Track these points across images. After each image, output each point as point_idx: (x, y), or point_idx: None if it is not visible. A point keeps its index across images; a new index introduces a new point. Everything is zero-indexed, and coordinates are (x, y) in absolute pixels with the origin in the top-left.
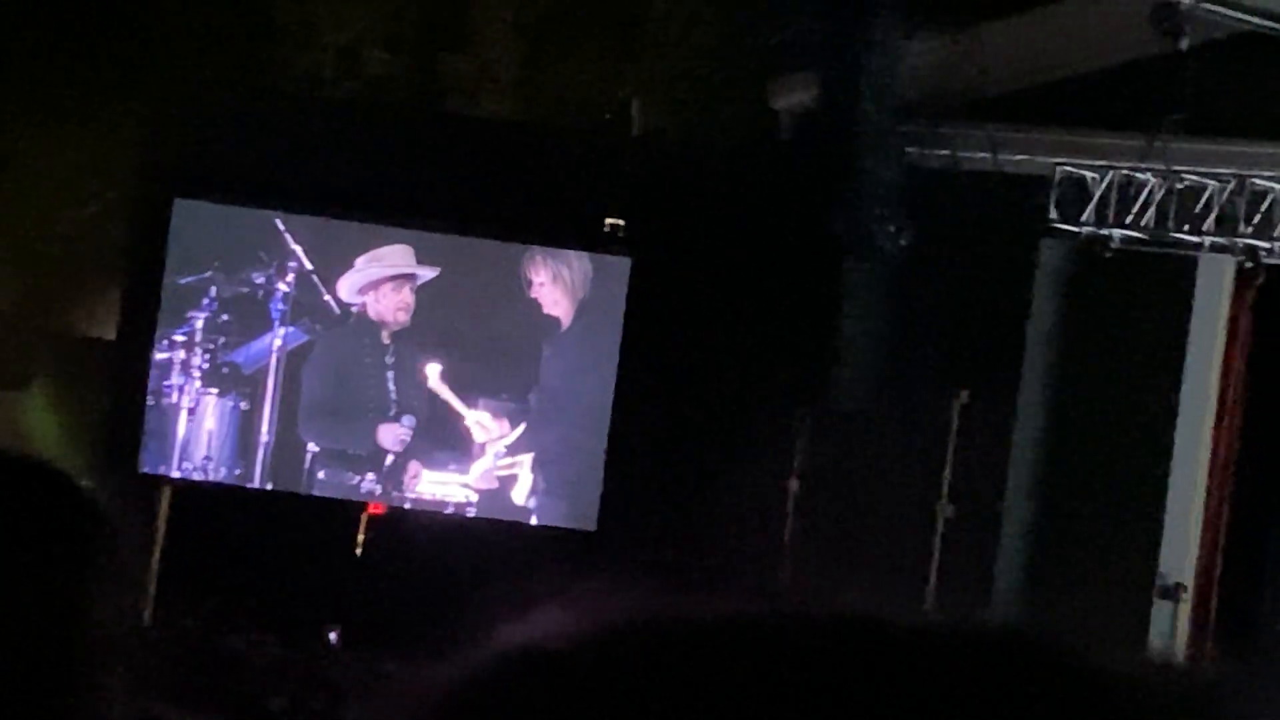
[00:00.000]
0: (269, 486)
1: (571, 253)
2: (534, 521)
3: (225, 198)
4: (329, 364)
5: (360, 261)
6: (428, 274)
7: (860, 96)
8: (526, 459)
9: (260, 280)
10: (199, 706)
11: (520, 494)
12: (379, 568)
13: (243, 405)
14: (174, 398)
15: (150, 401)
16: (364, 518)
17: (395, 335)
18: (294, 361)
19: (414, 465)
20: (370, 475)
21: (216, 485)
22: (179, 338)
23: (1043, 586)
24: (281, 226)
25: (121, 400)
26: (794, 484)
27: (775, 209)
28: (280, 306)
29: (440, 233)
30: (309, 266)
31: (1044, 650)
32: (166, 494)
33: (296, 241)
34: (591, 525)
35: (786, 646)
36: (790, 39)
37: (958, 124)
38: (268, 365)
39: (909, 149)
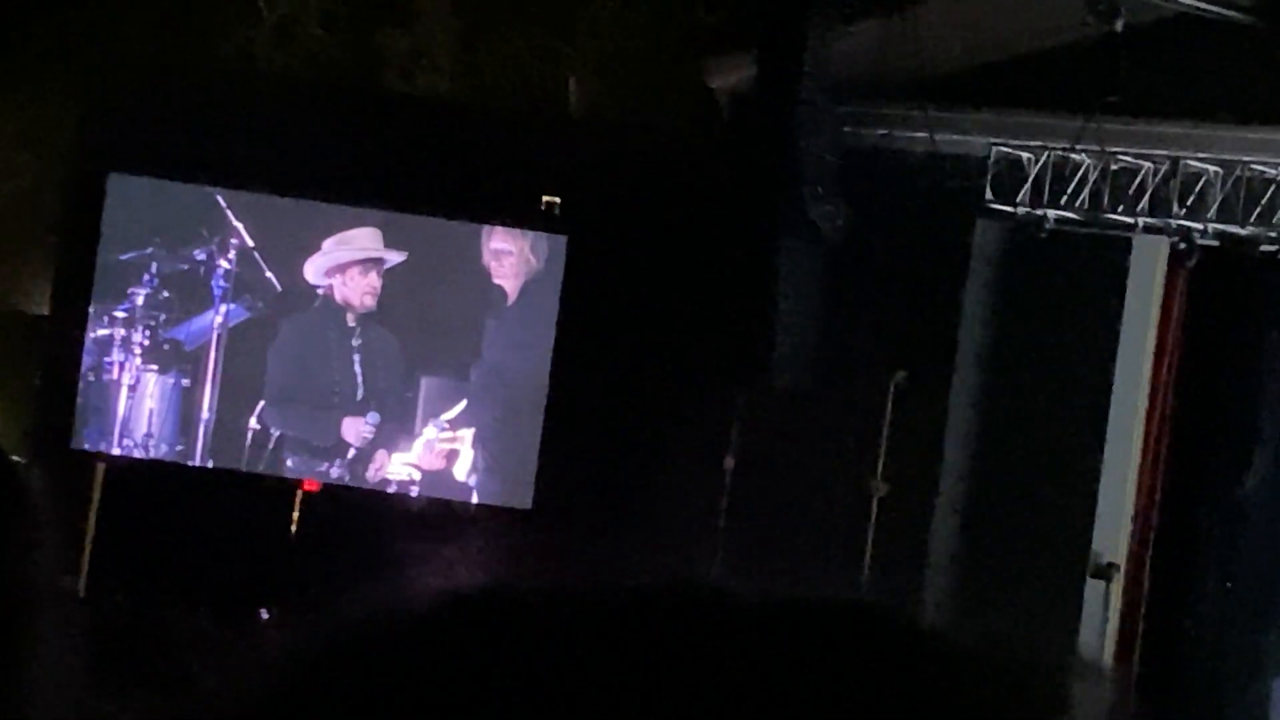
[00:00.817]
0: (210, 464)
1: (530, 231)
2: (474, 500)
3: (160, 172)
4: (295, 348)
5: (328, 244)
6: (395, 258)
7: (798, 77)
8: (468, 434)
9: (201, 257)
10: (130, 682)
11: (461, 470)
12: (314, 546)
13: (184, 382)
14: (114, 374)
15: (90, 378)
16: (299, 495)
17: (361, 319)
18: (236, 338)
19: (380, 455)
20: (337, 464)
21: (152, 462)
22: (119, 314)
23: (976, 565)
24: (224, 203)
25: (55, 376)
26: (730, 462)
27: (712, 188)
28: (222, 284)
29: (377, 209)
30: (251, 243)
31: (882, 622)
32: (100, 470)
33: (238, 218)
34: (527, 503)
35: (615, 618)
36: (728, 19)
37: (894, 105)
38: (209, 342)
39: (846, 129)
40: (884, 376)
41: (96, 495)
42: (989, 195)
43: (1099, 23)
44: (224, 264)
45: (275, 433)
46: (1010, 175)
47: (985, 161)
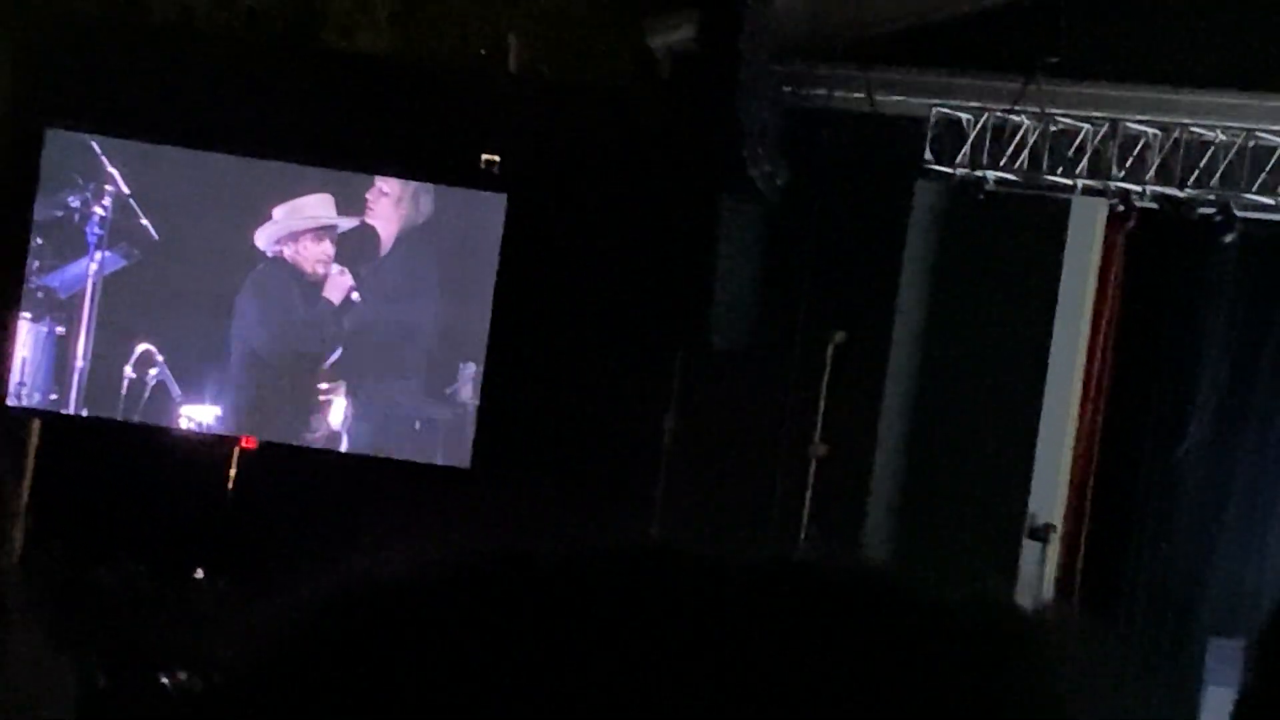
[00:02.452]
0: (84, 413)
1: (416, 184)
2: (343, 448)
3: (98, 129)
4: (257, 311)
5: (279, 212)
6: (348, 224)
7: (737, 35)
8: (341, 385)
9: (76, 204)
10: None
11: (335, 419)
12: (251, 502)
13: (58, 330)
14: None
15: None
16: (236, 452)
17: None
18: (111, 286)
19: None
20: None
21: (88, 419)
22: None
23: (914, 526)
24: (98, 149)
25: None
26: (669, 421)
27: (651, 147)
28: (97, 231)
29: (311, 166)
30: (126, 190)
31: (882, 587)
32: (36, 426)
33: (113, 165)
34: (466, 462)
35: (590, 581)
36: None
37: (834, 65)
38: (84, 290)
39: (785, 89)
40: (823, 337)
41: (31, 452)
42: (928, 156)
43: None
44: (99, 211)
45: (151, 382)
46: (949, 136)
47: (924, 123)
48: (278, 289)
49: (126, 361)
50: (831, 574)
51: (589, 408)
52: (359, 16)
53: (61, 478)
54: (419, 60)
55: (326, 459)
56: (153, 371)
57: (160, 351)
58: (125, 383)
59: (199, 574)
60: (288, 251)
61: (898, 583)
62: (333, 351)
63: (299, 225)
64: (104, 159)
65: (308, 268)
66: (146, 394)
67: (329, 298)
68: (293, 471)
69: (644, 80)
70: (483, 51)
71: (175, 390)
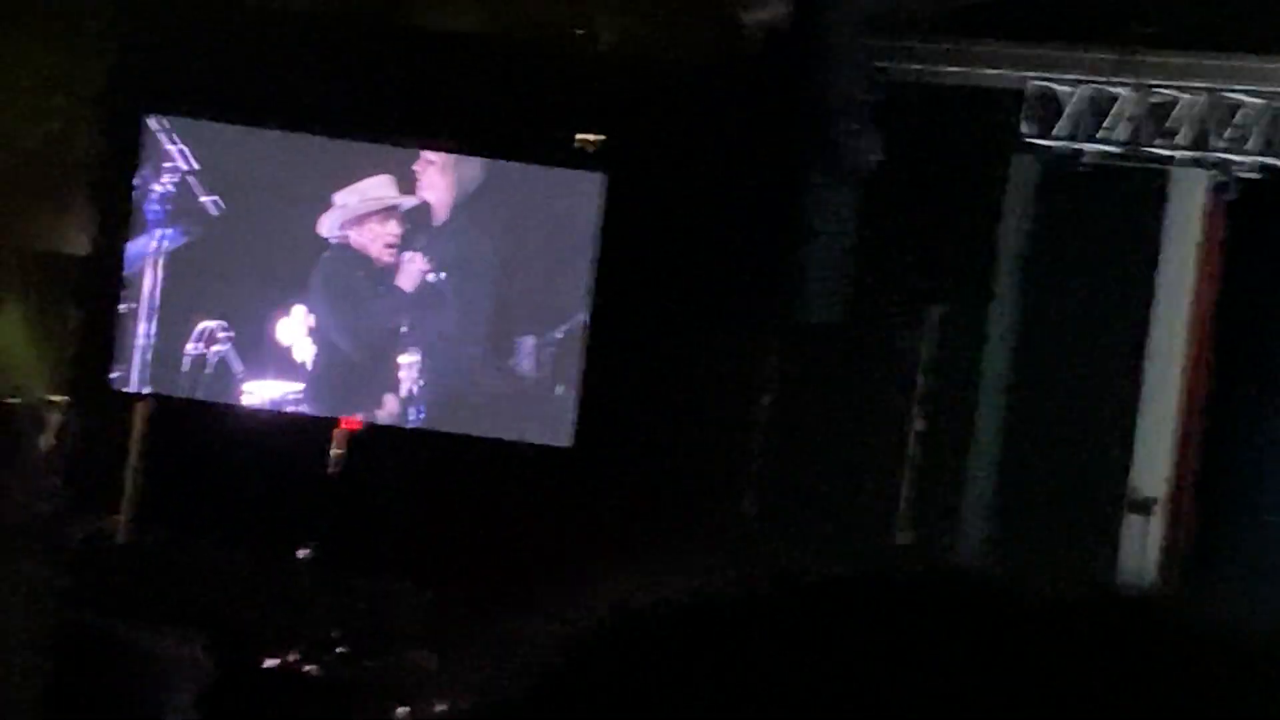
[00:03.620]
0: (146, 390)
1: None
2: (410, 423)
3: (194, 112)
4: (331, 293)
5: (339, 197)
6: (410, 202)
7: (830, 10)
8: (409, 363)
9: (136, 182)
10: (170, 621)
11: (403, 394)
12: (353, 484)
13: (121, 308)
14: None
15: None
16: (337, 433)
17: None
18: (173, 262)
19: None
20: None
21: (190, 400)
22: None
23: (1014, 500)
24: (155, 126)
25: (93, 316)
26: (765, 399)
27: (745, 124)
28: (157, 207)
29: (406, 148)
30: (185, 167)
31: (1174, 619)
32: (141, 409)
33: (174, 141)
34: (567, 441)
35: (897, 603)
36: None
37: (928, 38)
38: (144, 267)
39: (879, 64)
40: (920, 311)
41: (137, 434)
42: (1025, 129)
43: None
44: (158, 188)
45: (214, 359)
46: (1046, 109)
47: (1020, 95)
48: (345, 278)
49: (188, 338)
50: (1139, 607)
51: (686, 386)
52: None
53: (164, 460)
54: (508, 37)
55: (428, 439)
56: (215, 348)
57: (222, 329)
58: (187, 360)
59: (301, 554)
60: (354, 236)
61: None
62: (403, 331)
63: (363, 208)
64: (162, 136)
65: (375, 252)
66: (208, 370)
67: (401, 286)
68: (390, 450)
69: (736, 57)
70: (575, 30)
71: (238, 366)
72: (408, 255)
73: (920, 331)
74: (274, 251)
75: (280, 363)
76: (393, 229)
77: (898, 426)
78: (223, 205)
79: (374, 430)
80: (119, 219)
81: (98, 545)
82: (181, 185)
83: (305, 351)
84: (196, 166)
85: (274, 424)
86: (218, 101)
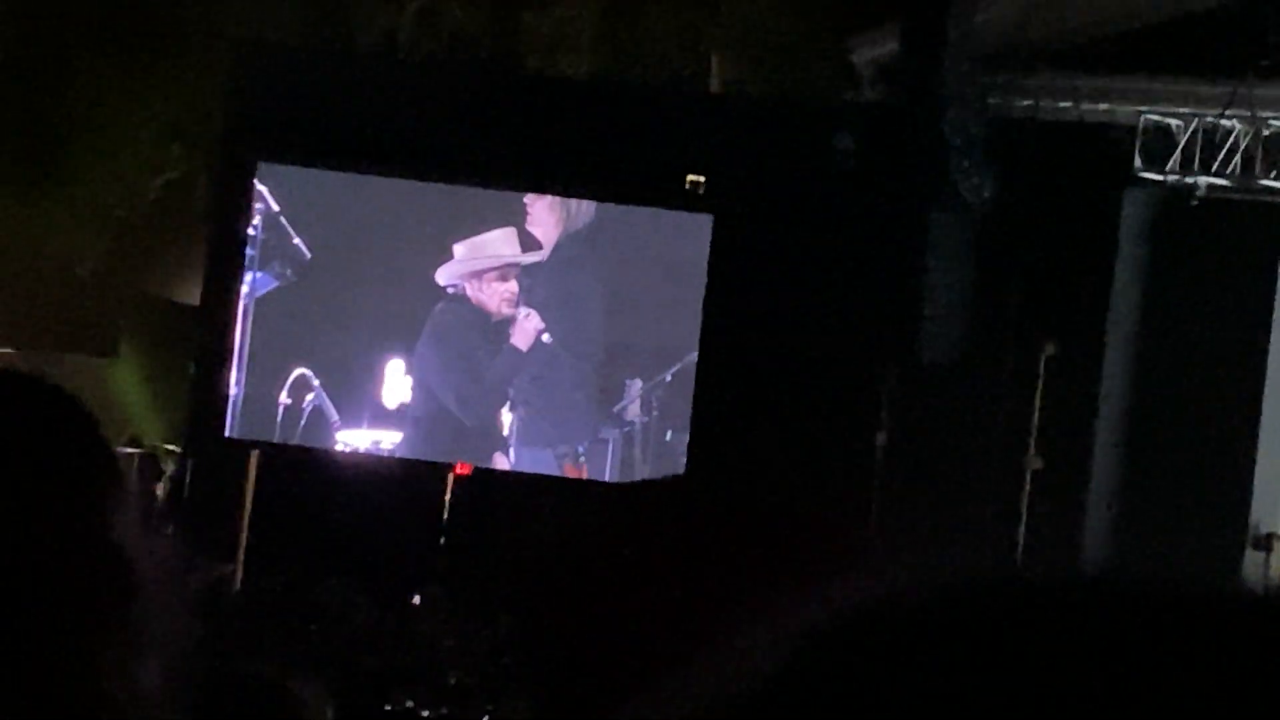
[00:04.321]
0: (233, 435)
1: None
2: (512, 462)
3: (308, 160)
4: (443, 348)
5: (460, 250)
6: (532, 259)
7: (942, 48)
8: (512, 408)
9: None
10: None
11: (504, 440)
12: (467, 528)
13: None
14: None
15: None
16: (450, 478)
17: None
18: (263, 309)
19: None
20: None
21: (302, 448)
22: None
23: (1131, 538)
24: (263, 172)
25: (207, 365)
26: (881, 437)
27: (857, 163)
28: (246, 251)
29: (518, 191)
30: (275, 208)
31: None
32: (255, 457)
33: (261, 183)
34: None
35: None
36: None
37: (1040, 73)
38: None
39: (991, 100)
40: (1035, 348)
41: (250, 482)
42: (1138, 164)
43: None
44: (249, 230)
45: (308, 408)
46: (1159, 143)
47: (1133, 130)
48: (459, 332)
49: (281, 387)
50: None
51: (801, 424)
52: (561, 40)
53: (278, 505)
54: (621, 82)
55: (538, 482)
56: (309, 396)
57: (316, 375)
58: (280, 409)
59: (416, 599)
60: (470, 289)
61: None
62: (513, 384)
63: (485, 264)
64: (262, 182)
65: (493, 307)
66: (303, 421)
67: (517, 345)
68: (506, 496)
69: (848, 96)
70: (686, 72)
71: (332, 415)
72: (524, 312)
73: (1035, 368)
74: (379, 299)
75: (377, 412)
76: (511, 286)
77: (1015, 465)
78: (314, 250)
79: (485, 475)
80: (232, 268)
81: (217, 593)
82: (271, 227)
83: (406, 401)
84: (280, 209)
85: (385, 469)
86: (329, 149)
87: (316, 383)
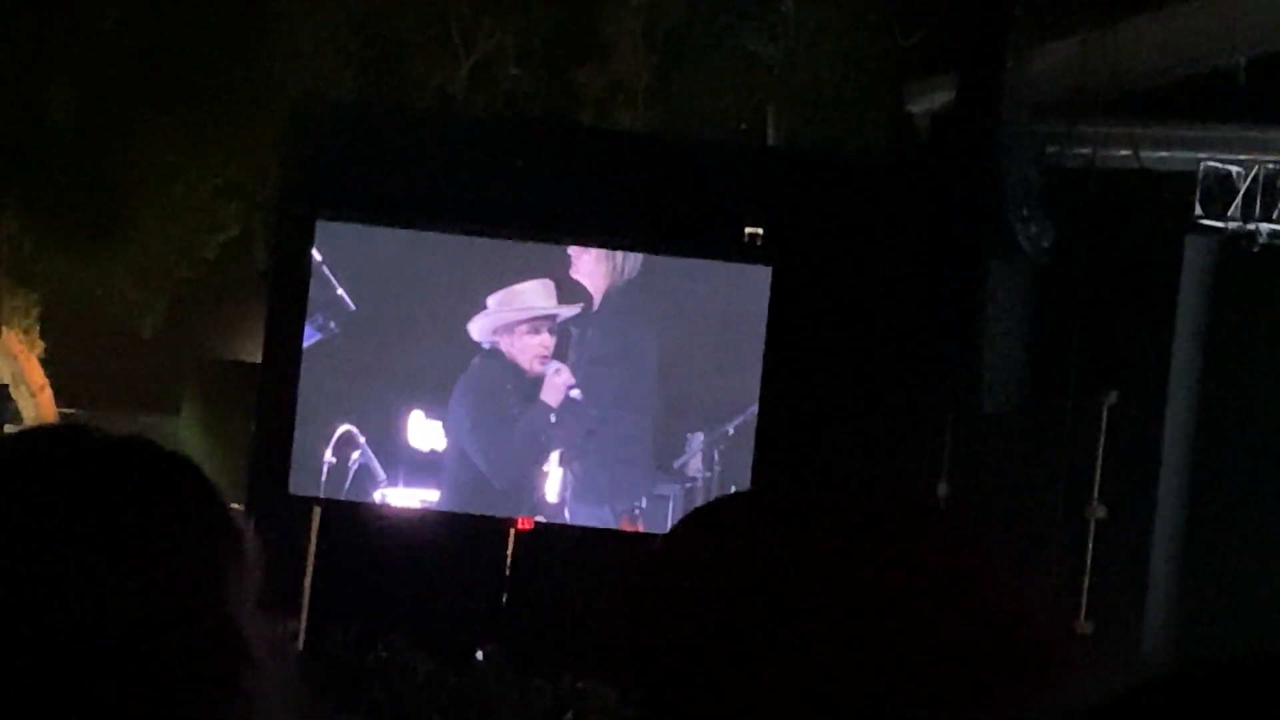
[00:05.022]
0: (295, 492)
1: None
2: (567, 518)
3: (366, 218)
4: (474, 406)
5: (493, 301)
6: (569, 312)
7: (998, 97)
8: (554, 454)
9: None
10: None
11: (551, 492)
12: (529, 583)
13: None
14: None
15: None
16: (512, 533)
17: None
18: (306, 362)
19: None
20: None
21: (362, 504)
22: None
23: (1198, 587)
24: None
25: (269, 422)
26: (943, 488)
27: (915, 212)
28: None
29: (575, 246)
30: (318, 258)
31: None
32: (316, 514)
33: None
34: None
35: None
36: (925, 42)
37: (1097, 122)
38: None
39: (1049, 149)
40: (1097, 397)
41: (313, 538)
42: (1198, 211)
43: None
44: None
45: (354, 467)
46: (1220, 190)
47: (1193, 177)
48: (492, 389)
49: (327, 444)
50: None
51: (861, 476)
52: (615, 94)
53: (340, 561)
54: (677, 136)
55: (597, 537)
56: (355, 455)
57: (362, 432)
58: (325, 466)
59: (480, 655)
60: (504, 344)
61: None
62: (551, 443)
63: (515, 316)
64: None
65: (525, 363)
66: (348, 481)
67: (546, 401)
68: (567, 550)
69: (905, 146)
70: (742, 125)
71: (379, 474)
72: (554, 367)
73: (1098, 418)
74: (422, 354)
75: (416, 469)
76: (545, 340)
77: (1078, 515)
78: (358, 303)
79: (546, 530)
80: (293, 325)
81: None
82: (315, 280)
83: (442, 456)
84: (324, 259)
85: (446, 524)
86: (386, 206)
87: (362, 440)
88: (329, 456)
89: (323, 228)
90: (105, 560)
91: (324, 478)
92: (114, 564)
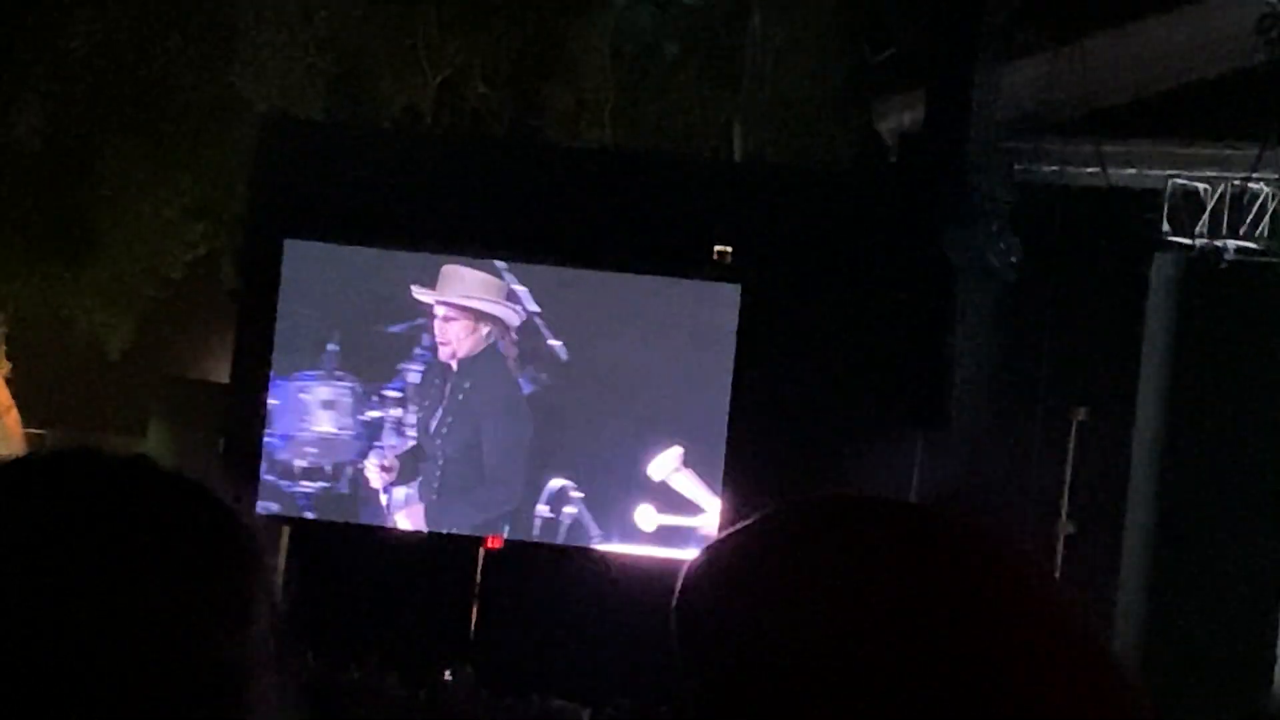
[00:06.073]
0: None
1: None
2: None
3: (333, 236)
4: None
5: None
6: (512, 315)
7: (967, 115)
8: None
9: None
10: None
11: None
12: (498, 602)
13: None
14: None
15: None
16: (481, 553)
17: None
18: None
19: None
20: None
21: (330, 523)
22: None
23: (1166, 601)
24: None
25: (237, 441)
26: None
27: (883, 230)
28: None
29: (542, 264)
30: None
31: None
32: (286, 534)
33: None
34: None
35: None
36: (893, 60)
37: (1065, 139)
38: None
39: (1017, 166)
40: (1065, 414)
41: (282, 558)
42: (1165, 228)
43: (1269, 49)
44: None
45: (567, 520)
46: (1187, 207)
47: (1160, 194)
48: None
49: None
50: None
51: (843, 489)
52: (582, 112)
53: (309, 582)
54: (644, 153)
55: (568, 555)
56: (568, 509)
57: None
58: (538, 521)
59: (448, 675)
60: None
61: None
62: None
63: (465, 302)
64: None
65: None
66: (561, 534)
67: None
68: (537, 569)
69: (873, 163)
70: (709, 142)
71: (593, 530)
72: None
73: (1065, 434)
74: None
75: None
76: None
77: (1046, 530)
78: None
79: (515, 548)
80: (261, 344)
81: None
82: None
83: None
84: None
85: (414, 542)
86: (354, 224)
87: (579, 495)
88: (543, 510)
89: (291, 246)
90: (119, 591)
91: (536, 531)
92: (127, 594)
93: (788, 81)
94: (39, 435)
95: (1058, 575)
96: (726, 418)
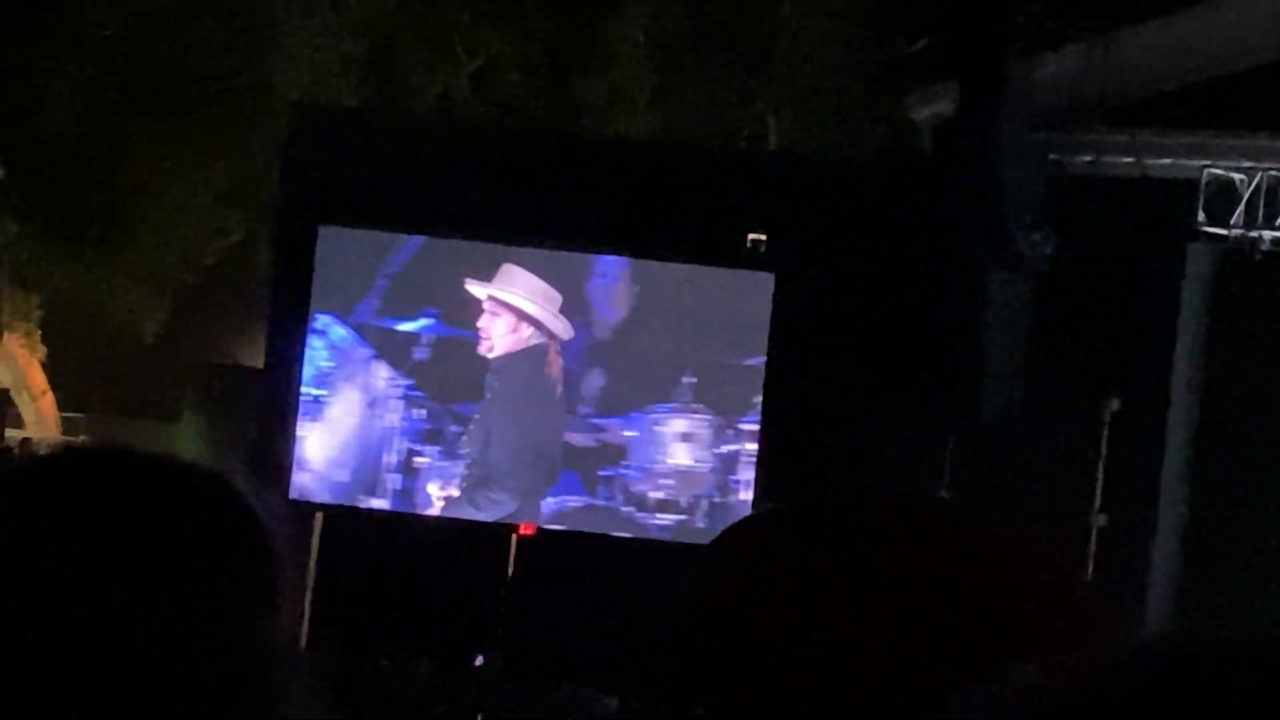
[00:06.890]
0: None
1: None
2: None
3: (368, 223)
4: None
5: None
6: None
7: (1000, 105)
8: None
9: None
10: None
11: None
12: (530, 589)
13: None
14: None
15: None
16: (514, 539)
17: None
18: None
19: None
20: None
21: (365, 510)
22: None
23: (1199, 596)
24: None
25: (270, 427)
26: (944, 496)
27: (917, 220)
28: None
29: (577, 252)
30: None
31: None
32: (319, 520)
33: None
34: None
35: None
36: (927, 50)
37: (1100, 130)
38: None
39: (1051, 157)
40: (1098, 404)
41: (315, 544)
42: (1201, 218)
43: None
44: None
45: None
46: (1222, 197)
47: (1196, 184)
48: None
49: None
50: None
51: (861, 483)
52: (615, 102)
53: (340, 568)
54: (678, 143)
55: (600, 542)
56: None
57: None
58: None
59: (478, 661)
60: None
61: None
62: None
63: (513, 300)
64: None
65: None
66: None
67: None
68: (569, 556)
69: (907, 153)
70: (744, 132)
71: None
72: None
73: (1099, 425)
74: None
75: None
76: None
77: (1079, 522)
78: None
79: (547, 535)
80: (294, 330)
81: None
82: None
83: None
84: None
85: (444, 530)
86: (386, 211)
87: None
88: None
89: (324, 232)
90: (142, 588)
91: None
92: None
93: (822, 72)
94: (74, 419)
95: (1088, 570)
96: (760, 406)
